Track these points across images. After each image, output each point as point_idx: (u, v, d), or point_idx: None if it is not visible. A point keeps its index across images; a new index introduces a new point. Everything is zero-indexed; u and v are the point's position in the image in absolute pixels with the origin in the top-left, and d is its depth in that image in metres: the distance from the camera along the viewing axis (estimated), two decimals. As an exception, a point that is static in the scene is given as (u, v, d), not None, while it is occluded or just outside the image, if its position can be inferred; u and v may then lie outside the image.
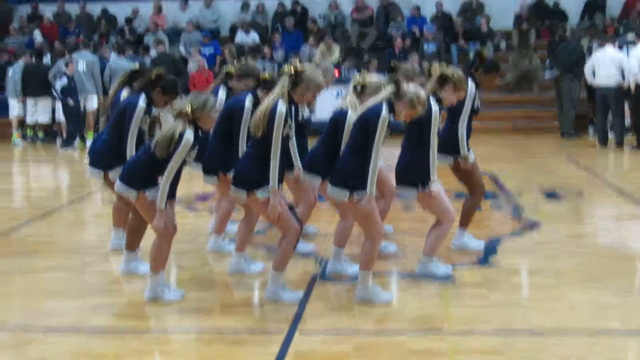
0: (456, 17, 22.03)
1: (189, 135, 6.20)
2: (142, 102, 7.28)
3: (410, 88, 6.22)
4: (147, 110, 7.33)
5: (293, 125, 6.45)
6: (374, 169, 6.12)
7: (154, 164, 6.34)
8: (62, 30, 22.66)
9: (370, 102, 6.26)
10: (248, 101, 7.23)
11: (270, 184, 6.21)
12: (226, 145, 7.32)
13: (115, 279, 7.38)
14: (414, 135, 6.92)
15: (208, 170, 7.52)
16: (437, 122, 6.81)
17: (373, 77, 7.05)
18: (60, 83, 17.29)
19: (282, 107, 6.18)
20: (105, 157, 7.61)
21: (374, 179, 6.14)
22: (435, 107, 6.80)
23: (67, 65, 17.35)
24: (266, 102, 6.27)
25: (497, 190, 11.33)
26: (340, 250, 7.32)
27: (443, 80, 7.00)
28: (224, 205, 8.06)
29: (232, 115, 7.29)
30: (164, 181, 6.28)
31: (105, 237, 8.62)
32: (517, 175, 12.86)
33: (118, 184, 6.58)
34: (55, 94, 18.25)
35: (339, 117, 6.89)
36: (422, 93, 6.27)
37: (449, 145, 7.62)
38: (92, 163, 7.75)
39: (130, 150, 7.28)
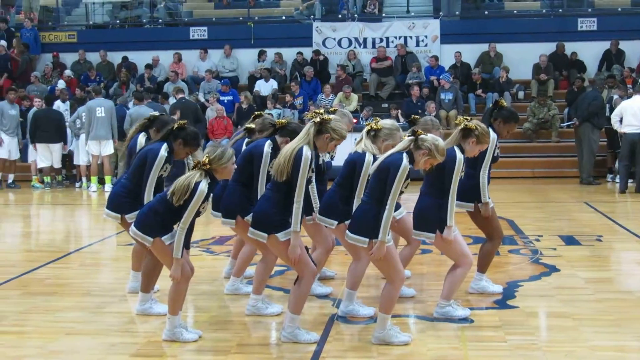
0: (474, 67, 22.17)
1: (204, 186, 6.27)
2: (163, 151, 7.33)
3: (428, 138, 6.26)
4: (168, 159, 7.39)
5: (314, 169, 6.49)
6: (387, 217, 6.14)
7: (169, 212, 6.42)
8: (84, 78, 22.93)
9: (390, 151, 6.30)
10: (267, 146, 7.27)
11: (292, 226, 6.25)
12: (245, 189, 7.34)
13: (132, 319, 7.38)
14: (435, 181, 6.94)
15: (227, 214, 7.54)
16: (460, 170, 6.83)
17: (387, 122, 7.10)
18: None
19: (307, 152, 6.22)
20: (123, 202, 7.66)
21: (387, 226, 6.16)
22: (459, 155, 6.84)
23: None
24: (290, 147, 6.31)
25: (515, 235, 11.30)
26: (352, 292, 7.30)
27: (467, 132, 7.03)
28: (246, 249, 8.08)
29: (252, 159, 7.32)
30: (179, 231, 6.35)
31: (122, 279, 8.66)
32: (536, 220, 12.81)
33: (133, 230, 6.63)
34: (73, 138, 18.67)
35: (356, 160, 6.89)
36: (440, 142, 6.31)
37: (469, 192, 7.62)
38: (110, 206, 7.80)
39: (148, 197, 7.32)
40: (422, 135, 6.25)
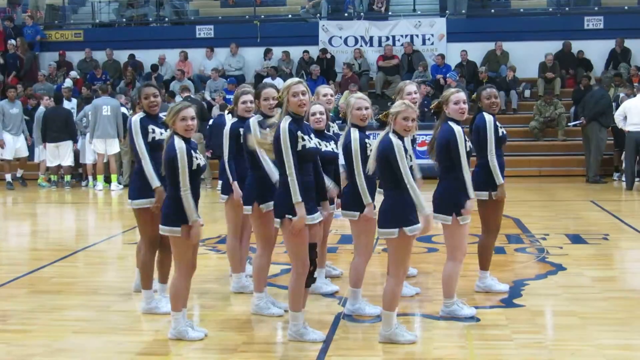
0: (480, 66, 22.12)
1: (178, 142, 6.35)
2: (136, 116, 7.43)
3: (391, 109, 6.33)
4: (148, 121, 7.39)
5: (313, 141, 6.42)
6: (415, 193, 6.16)
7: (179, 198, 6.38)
8: (90, 77, 22.95)
9: (379, 139, 6.33)
10: (253, 119, 7.28)
11: (292, 198, 6.20)
12: (258, 174, 7.29)
13: (138, 317, 7.39)
14: (447, 162, 7.03)
15: (245, 201, 7.43)
16: (462, 141, 6.88)
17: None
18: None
19: (284, 124, 6.22)
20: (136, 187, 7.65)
21: (420, 199, 6.16)
22: (456, 127, 6.94)
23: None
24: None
25: (521, 233, 11.28)
26: (356, 291, 7.29)
27: (440, 106, 7.21)
28: (229, 242, 8.06)
29: (246, 140, 7.16)
30: (182, 194, 6.34)
31: (128, 278, 8.65)
32: (542, 219, 12.79)
33: (161, 228, 6.57)
34: (79, 137, 18.67)
35: (344, 145, 6.98)
36: (400, 103, 6.40)
37: (484, 181, 7.64)
38: (129, 195, 7.80)
39: (145, 164, 7.24)
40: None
